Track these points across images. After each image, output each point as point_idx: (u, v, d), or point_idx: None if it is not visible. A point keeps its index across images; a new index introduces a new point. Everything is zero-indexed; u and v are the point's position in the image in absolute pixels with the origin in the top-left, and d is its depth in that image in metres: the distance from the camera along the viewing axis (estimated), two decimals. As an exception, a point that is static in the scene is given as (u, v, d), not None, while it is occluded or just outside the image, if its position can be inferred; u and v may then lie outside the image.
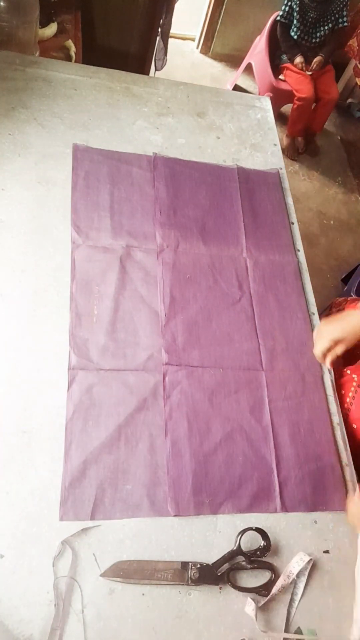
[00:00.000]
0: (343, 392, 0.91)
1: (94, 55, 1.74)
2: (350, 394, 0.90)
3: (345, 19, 2.32)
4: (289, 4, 2.27)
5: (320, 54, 2.38)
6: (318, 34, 2.36)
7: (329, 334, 0.86)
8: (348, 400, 0.90)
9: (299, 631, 0.66)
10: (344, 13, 2.31)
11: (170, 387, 0.79)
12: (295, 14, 2.28)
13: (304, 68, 2.39)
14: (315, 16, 2.29)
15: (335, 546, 0.73)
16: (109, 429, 0.73)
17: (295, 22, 2.30)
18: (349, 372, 0.94)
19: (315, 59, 2.38)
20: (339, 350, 0.86)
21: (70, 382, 0.75)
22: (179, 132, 1.11)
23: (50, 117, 1.01)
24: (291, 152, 2.69)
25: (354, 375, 0.92)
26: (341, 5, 2.29)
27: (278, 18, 2.34)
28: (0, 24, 1.20)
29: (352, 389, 0.90)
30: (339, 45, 2.48)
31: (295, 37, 2.35)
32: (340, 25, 2.35)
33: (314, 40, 2.38)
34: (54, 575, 0.62)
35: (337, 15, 2.31)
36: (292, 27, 2.33)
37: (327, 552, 0.72)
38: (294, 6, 2.26)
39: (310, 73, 2.40)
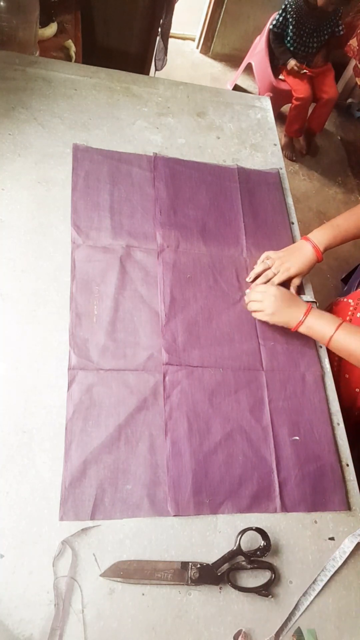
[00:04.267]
0: (347, 375, 0.92)
1: (94, 55, 1.74)
2: (347, 319, 0.90)
3: (340, 27, 2.35)
4: (283, 14, 2.27)
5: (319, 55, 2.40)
6: (315, 44, 2.36)
7: (286, 271, 0.92)
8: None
9: (299, 631, 0.66)
10: (339, 22, 2.34)
11: (170, 387, 0.79)
12: (290, 26, 2.28)
13: (299, 70, 2.39)
14: (313, 27, 2.29)
15: (335, 546, 0.73)
16: (109, 429, 0.73)
17: (290, 33, 2.30)
18: (345, 299, 0.94)
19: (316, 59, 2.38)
20: (297, 281, 0.94)
21: (70, 382, 0.75)
22: (179, 132, 1.11)
23: (50, 117, 1.01)
24: (289, 152, 2.68)
25: (349, 300, 0.92)
26: (337, 17, 2.31)
27: (271, 27, 2.34)
28: (0, 24, 1.20)
29: (349, 313, 0.91)
30: (335, 49, 2.50)
31: (292, 48, 2.35)
32: (337, 34, 2.37)
33: (309, 51, 2.38)
34: (54, 575, 0.62)
35: (333, 27, 2.33)
36: (287, 37, 2.33)
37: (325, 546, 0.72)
38: (289, 17, 2.25)
39: (305, 72, 2.40)
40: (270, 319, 0.85)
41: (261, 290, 0.87)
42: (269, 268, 0.93)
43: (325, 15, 2.26)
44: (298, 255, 0.93)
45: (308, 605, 0.68)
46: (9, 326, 0.77)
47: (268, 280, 0.92)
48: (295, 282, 0.94)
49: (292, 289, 0.93)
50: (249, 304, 0.88)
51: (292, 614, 0.67)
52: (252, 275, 0.94)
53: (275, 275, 0.92)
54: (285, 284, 0.94)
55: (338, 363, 0.95)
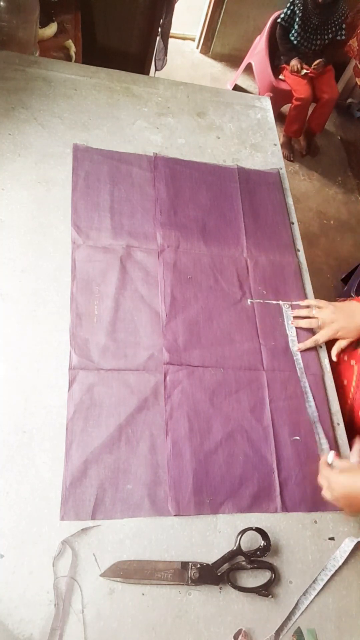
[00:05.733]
0: (345, 382, 0.91)
1: (94, 55, 1.74)
2: (354, 383, 0.90)
3: (343, 31, 2.36)
4: (291, 7, 2.27)
5: (322, 59, 2.39)
6: (318, 42, 2.36)
7: (334, 331, 0.88)
8: (352, 390, 0.90)
9: (299, 631, 0.66)
10: (343, 26, 2.34)
11: (171, 386, 0.79)
12: (297, 19, 2.28)
13: (299, 70, 2.39)
14: (318, 23, 2.29)
15: (335, 546, 0.73)
16: (110, 429, 0.73)
17: (296, 27, 2.30)
18: (352, 362, 0.93)
19: (317, 60, 2.38)
20: (343, 344, 0.89)
21: (71, 382, 0.75)
22: (179, 132, 1.11)
23: (50, 117, 1.01)
24: (286, 152, 2.68)
25: (356, 366, 0.92)
26: (342, 18, 2.31)
27: (279, 20, 2.34)
28: (0, 24, 1.20)
29: (354, 377, 0.90)
30: (336, 52, 2.50)
31: (295, 42, 2.35)
32: (338, 38, 2.37)
33: (313, 48, 2.38)
34: (54, 575, 0.62)
35: (337, 27, 2.34)
36: (292, 31, 2.33)
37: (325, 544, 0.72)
38: (297, 11, 2.25)
39: (305, 72, 2.40)
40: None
41: (325, 476, 0.74)
42: (314, 318, 0.89)
43: (329, 12, 2.26)
44: (353, 320, 0.88)
45: (308, 605, 0.68)
46: (9, 326, 0.77)
47: (313, 333, 0.89)
48: (342, 343, 0.89)
49: (334, 354, 0.89)
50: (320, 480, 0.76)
51: (292, 613, 0.67)
52: (295, 313, 0.91)
53: (319, 328, 0.89)
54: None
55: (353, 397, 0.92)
